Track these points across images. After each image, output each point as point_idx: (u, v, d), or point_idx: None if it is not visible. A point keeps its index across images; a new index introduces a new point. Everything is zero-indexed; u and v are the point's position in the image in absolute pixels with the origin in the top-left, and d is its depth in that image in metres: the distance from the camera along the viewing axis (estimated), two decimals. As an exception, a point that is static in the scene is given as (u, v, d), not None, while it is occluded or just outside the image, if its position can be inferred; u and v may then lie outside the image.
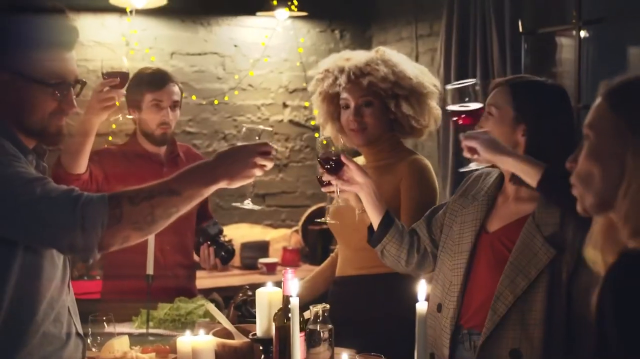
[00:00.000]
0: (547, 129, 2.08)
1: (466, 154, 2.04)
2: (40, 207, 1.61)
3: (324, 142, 2.23)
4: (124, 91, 2.54)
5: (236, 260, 4.75)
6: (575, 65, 4.08)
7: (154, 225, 1.71)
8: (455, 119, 2.09)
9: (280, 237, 4.98)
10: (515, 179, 2.08)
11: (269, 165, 1.88)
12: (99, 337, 2.33)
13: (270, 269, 4.53)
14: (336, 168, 2.20)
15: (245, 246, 4.74)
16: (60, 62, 1.76)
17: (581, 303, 1.93)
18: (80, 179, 2.64)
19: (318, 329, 2.09)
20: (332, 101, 2.68)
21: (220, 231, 3.00)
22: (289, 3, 4.85)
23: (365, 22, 5.43)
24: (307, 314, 2.16)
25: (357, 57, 2.63)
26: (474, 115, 2.07)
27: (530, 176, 1.96)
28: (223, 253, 2.91)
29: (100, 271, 3.16)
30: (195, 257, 3.06)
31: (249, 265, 4.68)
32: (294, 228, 5.03)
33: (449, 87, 2.13)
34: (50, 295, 1.75)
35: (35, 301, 1.71)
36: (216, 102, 5.00)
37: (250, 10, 4.95)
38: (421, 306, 1.50)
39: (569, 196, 1.49)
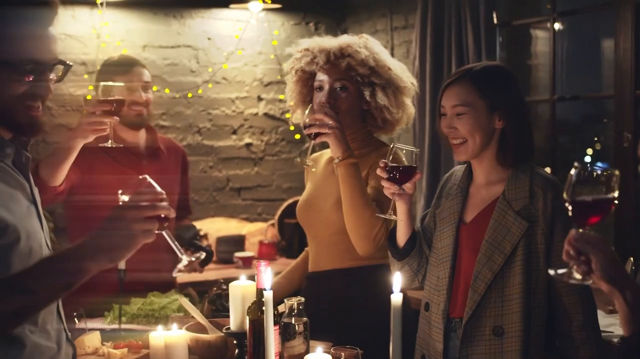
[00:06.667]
0: (516, 104, 2.16)
1: (567, 259, 1.50)
2: None
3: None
4: (117, 117, 2.51)
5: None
6: (550, 58, 4.09)
7: (5, 331, 1.48)
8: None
9: (257, 231, 4.95)
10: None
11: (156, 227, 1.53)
12: (69, 333, 2.28)
13: (247, 263, 4.50)
14: (402, 178, 2.13)
15: (221, 240, 4.70)
16: (33, 42, 1.55)
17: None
18: (55, 191, 2.61)
19: (293, 322, 2.08)
20: (306, 82, 2.64)
21: (196, 234, 2.98)
22: (263, -5, 4.80)
23: (339, 14, 5.39)
24: (281, 308, 2.14)
25: (340, 38, 2.60)
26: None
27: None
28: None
29: None
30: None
31: (225, 259, 4.64)
32: (270, 222, 5.00)
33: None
34: None
35: None
36: (190, 95, 4.94)
37: (224, 3, 4.88)
38: (396, 297, 1.48)
39: None
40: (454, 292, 2.17)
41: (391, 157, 2.12)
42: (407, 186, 2.13)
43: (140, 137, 3.07)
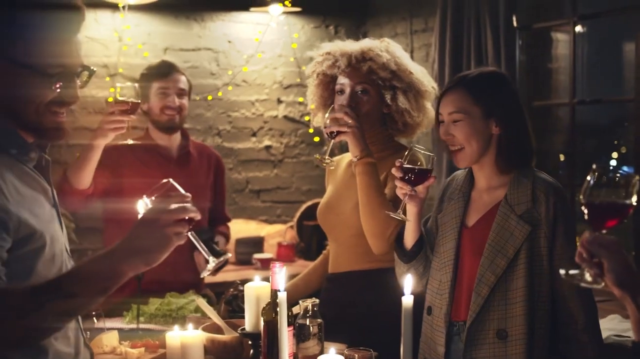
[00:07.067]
0: (512, 109, 2.17)
1: (580, 262, 1.48)
2: None
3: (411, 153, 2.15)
4: (134, 116, 2.68)
5: (231, 256, 4.75)
6: (570, 61, 4.07)
7: (43, 338, 1.51)
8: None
9: (276, 233, 4.97)
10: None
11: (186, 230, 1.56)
12: (88, 332, 2.31)
13: (265, 264, 4.52)
14: (416, 180, 2.14)
15: (240, 242, 4.73)
16: (62, 47, 1.56)
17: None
18: (84, 194, 2.75)
19: (307, 323, 2.09)
20: (327, 86, 2.65)
21: (211, 238, 2.99)
22: (283, -2, 4.83)
23: (359, 17, 5.41)
24: (296, 309, 2.15)
25: (362, 42, 2.62)
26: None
27: None
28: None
29: None
30: None
31: (244, 261, 4.67)
32: (289, 224, 5.02)
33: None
34: None
35: None
36: (210, 98, 4.98)
37: (244, 6, 4.92)
38: (407, 300, 1.49)
39: None
40: (456, 295, 2.17)
41: (408, 158, 2.13)
42: (419, 189, 2.14)
43: (173, 142, 3.15)
